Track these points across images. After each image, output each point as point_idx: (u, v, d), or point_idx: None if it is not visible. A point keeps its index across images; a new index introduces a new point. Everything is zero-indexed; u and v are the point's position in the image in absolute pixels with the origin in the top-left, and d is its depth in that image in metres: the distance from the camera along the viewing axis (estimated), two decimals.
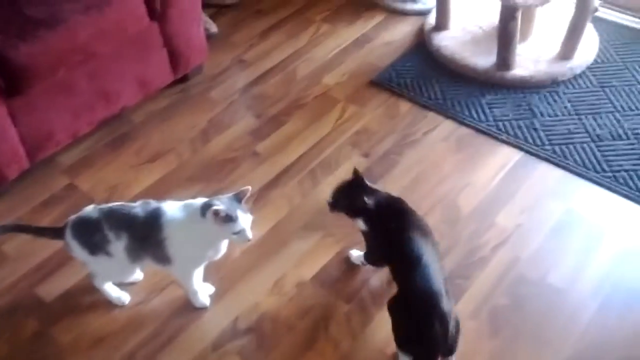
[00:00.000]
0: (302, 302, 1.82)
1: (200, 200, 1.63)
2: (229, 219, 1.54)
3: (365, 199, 1.64)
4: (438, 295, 1.50)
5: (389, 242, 1.65)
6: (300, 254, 1.95)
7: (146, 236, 1.61)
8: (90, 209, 1.66)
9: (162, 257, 1.64)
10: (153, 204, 1.65)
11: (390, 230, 1.65)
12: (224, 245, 1.68)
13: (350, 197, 1.68)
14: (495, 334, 1.72)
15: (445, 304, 1.50)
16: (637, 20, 2.74)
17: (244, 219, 1.57)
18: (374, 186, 1.73)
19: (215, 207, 1.53)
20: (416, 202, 2.06)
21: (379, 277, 1.87)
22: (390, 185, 2.14)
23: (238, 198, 1.59)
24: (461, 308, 1.77)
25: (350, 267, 1.90)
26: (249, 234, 1.60)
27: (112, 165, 2.27)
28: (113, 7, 2.11)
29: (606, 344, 1.69)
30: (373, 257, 1.81)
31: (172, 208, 1.63)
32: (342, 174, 2.19)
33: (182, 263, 1.67)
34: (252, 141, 2.35)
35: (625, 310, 1.77)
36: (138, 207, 1.63)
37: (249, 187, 1.61)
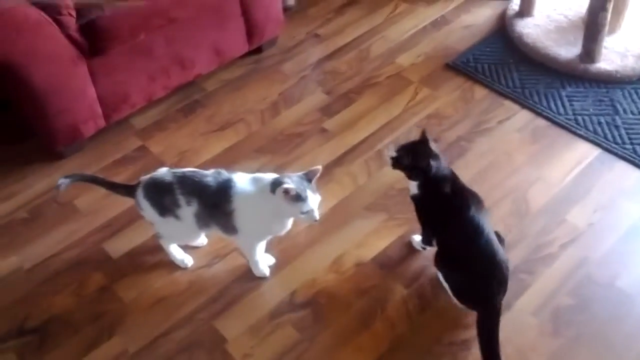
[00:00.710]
0: (361, 281, 1.81)
1: (270, 176, 1.63)
2: (299, 198, 1.54)
3: (431, 161, 1.61)
4: (497, 254, 1.60)
5: (441, 207, 1.66)
6: (362, 234, 1.94)
7: (216, 205, 1.63)
8: (164, 172, 1.69)
9: (229, 227, 1.67)
10: (225, 174, 1.66)
11: (445, 195, 1.64)
12: (290, 223, 1.69)
13: (415, 156, 1.65)
14: (557, 333, 1.67)
15: (502, 255, 1.61)
16: None
17: (313, 199, 1.57)
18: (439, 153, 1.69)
19: (285, 186, 1.53)
20: (484, 193, 2.00)
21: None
22: (459, 171, 2.08)
23: (308, 177, 1.59)
24: (523, 304, 1.73)
25: (411, 252, 1.88)
26: (317, 215, 1.60)
27: (183, 131, 2.32)
28: None
29: None
30: (426, 233, 1.79)
31: (242, 180, 1.65)
32: None
33: (247, 235, 1.69)
34: (321, 117, 2.34)
35: None
36: (210, 176, 1.65)
37: (320, 167, 1.60)
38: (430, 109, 2.34)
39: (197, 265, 1.87)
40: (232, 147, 2.24)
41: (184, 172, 1.67)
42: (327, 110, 2.37)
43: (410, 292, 1.78)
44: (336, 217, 1.99)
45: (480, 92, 2.39)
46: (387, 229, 1.94)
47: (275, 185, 1.57)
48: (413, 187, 1.69)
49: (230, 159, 2.18)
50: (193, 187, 1.64)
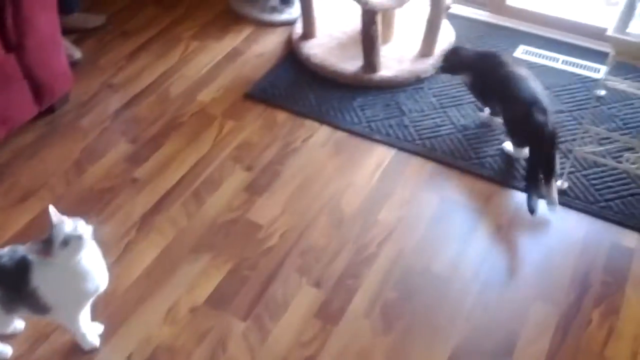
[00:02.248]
0: (198, 326, 1.79)
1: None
2: (46, 243, 1.46)
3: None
4: (537, 97, 2.08)
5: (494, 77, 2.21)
6: (191, 277, 1.92)
7: (17, 287, 1.53)
8: None
9: (40, 307, 1.56)
10: (20, 250, 1.56)
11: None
12: (99, 274, 1.58)
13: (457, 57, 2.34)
14: (389, 328, 1.79)
15: (546, 103, 2.08)
16: (486, 13, 2.94)
17: (68, 224, 1.48)
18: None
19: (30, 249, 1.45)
20: (303, 209, 2.12)
21: (272, 289, 1.88)
22: (277, 194, 2.17)
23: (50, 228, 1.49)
24: (355, 308, 1.83)
25: (243, 283, 1.90)
26: (81, 226, 1.49)
27: None
28: None
29: (490, 322, 1.81)
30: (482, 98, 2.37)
31: None
32: (227, 190, 2.19)
33: (62, 309, 1.59)
34: (130, 167, 2.29)
35: (504, 289, 1.90)
36: (5, 256, 1.54)
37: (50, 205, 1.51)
38: (238, 139, 2.39)
39: (18, 353, 1.72)
40: (38, 217, 2.11)
41: None
42: (135, 159, 2.32)
43: (248, 325, 1.80)
44: (162, 267, 1.95)
45: (281, 115, 2.49)
46: (215, 267, 1.95)
47: (46, 246, 1.47)
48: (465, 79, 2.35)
49: (37, 229, 2.04)
50: None
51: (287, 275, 1.93)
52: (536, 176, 2.07)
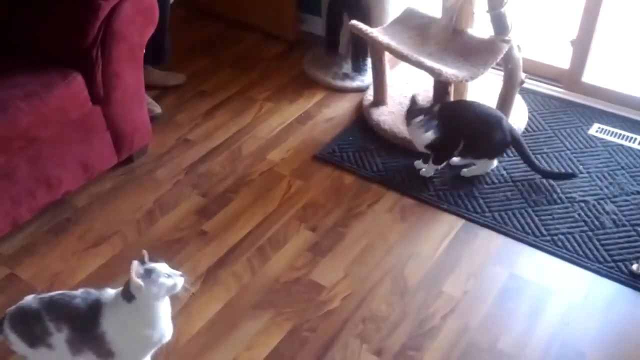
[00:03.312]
0: None
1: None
2: (149, 272, 1.52)
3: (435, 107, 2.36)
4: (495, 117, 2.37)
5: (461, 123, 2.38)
6: (251, 334, 1.92)
7: (86, 329, 1.56)
8: (29, 299, 1.61)
9: (104, 352, 1.58)
10: (94, 294, 1.60)
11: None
12: (165, 324, 1.62)
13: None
14: None
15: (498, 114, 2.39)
16: (560, 90, 2.92)
17: (161, 266, 1.55)
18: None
19: (132, 277, 1.50)
20: (366, 274, 2.10)
21: (332, 354, 1.85)
22: (340, 256, 2.17)
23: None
24: None
25: (302, 345, 1.88)
26: (179, 280, 1.56)
27: (54, 253, 2.21)
28: (55, 93, 2.12)
29: None
30: (446, 151, 2.42)
31: (109, 298, 1.60)
32: (291, 249, 2.20)
33: (126, 355, 1.61)
34: (199, 220, 2.34)
35: None
36: (79, 297, 1.59)
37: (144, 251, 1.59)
38: (305, 199, 2.42)
39: None
40: (109, 262, 2.17)
41: (51, 297, 1.60)
42: (205, 213, 2.37)
43: None
44: (224, 321, 1.96)
45: (348, 179, 2.51)
46: (276, 325, 1.94)
47: (126, 291, 1.54)
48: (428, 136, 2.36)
49: (108, 275, 2.11)
50: (61, 312, 1.56)
51: (347, 341, 1.90)
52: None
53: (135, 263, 1.52)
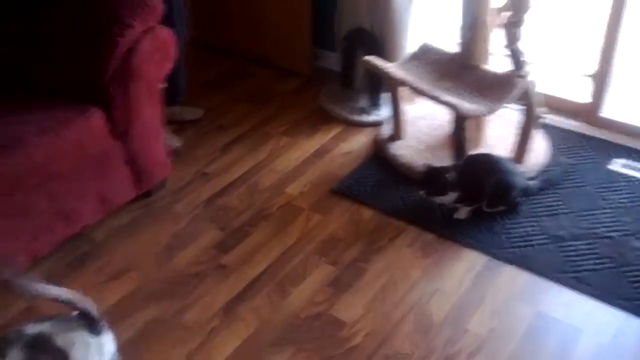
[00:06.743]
0: None
1: None
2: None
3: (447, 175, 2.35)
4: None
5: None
6: None
7: None
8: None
9: None
10: None
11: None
12: None
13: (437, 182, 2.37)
14: None
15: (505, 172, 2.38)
16: (579, 124, 2.91)
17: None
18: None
19: None
20: (388, 310, 2.06)
21: None
22: (361, 292, 2.13)
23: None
24: None
25: None
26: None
27: (72, 286, 2.15)
28: (72, 128, 2.13)
29: None
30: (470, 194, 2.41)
31: None
32: (311, 284, 2.17)
33: None
34: (217, 254, 2.32)
35: None
36: None
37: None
38: (324, 233, 2.40)
39: None
40: (127, 297, 2.14)
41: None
42: (223, 246, 2.35)
43: None
44: (244, 357, 1.92)
45: (367, 213, 2.49)
46: None
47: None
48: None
49: (126, 308, 2.08)
50: None
51: None
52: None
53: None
